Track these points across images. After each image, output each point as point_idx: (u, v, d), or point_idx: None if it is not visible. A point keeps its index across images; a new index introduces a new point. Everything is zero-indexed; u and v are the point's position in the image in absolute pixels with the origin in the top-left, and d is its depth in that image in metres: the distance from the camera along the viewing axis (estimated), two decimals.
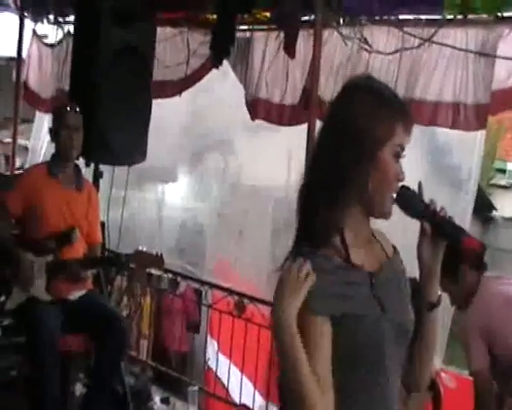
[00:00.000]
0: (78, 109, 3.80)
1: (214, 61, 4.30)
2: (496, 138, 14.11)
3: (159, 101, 4.81)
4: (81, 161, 4.08)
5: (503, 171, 14.73)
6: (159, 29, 4.61)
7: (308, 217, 1.71)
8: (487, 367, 3.20)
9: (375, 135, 1.69)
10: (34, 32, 5.84)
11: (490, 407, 3.25)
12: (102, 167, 4.50)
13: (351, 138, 1.69)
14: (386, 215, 1.74)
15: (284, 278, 1.64)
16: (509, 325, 3.20)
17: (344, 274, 1.69)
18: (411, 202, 1.74)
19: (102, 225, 4.19)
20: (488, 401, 3.25)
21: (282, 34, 3.96)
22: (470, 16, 3.13)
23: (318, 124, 3.46)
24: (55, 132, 3.79)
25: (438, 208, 1.72)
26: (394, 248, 1.88)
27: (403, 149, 1.73)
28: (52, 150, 3.95)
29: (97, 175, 4.45)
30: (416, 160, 4.73)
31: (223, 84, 5.26)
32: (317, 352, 1.62)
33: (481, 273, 3.38)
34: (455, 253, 3.57)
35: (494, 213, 13.02)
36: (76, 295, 3.74)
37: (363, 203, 1.72)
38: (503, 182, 14.62)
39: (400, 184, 1.73)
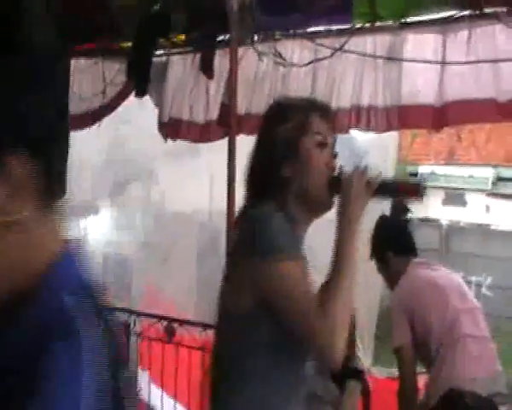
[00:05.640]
0: None
1: (137, 93, 4.32)
2: (408, 145, 14.90)
3: (77, 135, 4.78)
4: None
5: (415, 175, 15.46)
6: (73, 61, 4.63)
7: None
8: (409, 342, 3.49)
9: (291, 130, 1.81)
10: None
11: (412, 381, 3.52)
12: None
13: (271, 141, 1.84)
14: (326, 207, 1.81)
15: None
16: (427, 305, 3.50)
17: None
18: None
19: None
20: (410, 375, 3.52)
21: (198, 55, 4.07)
22: (377, 24, 3.33)
23: (238, 140, 3.59)
24: None
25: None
26: None
27: (326, 137, 1.83)
28: None
29: None
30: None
31: (142, 113, 5.30)
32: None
33: (410, 256, 3.66)
34: (384, 240, 3.83)
35: (410, 215, 13.57)
36: None
37: (299, 201, 1.79)
38: None
39: (333, 169, 1.82)
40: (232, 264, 1.82)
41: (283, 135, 1.81)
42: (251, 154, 1.89)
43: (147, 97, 4.54)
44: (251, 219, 1.78)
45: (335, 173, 1.82)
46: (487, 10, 3.10)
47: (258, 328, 1.69)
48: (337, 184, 1.79)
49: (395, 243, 3.68)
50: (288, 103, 1.98)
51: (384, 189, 1.81)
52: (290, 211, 1.78)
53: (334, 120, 1.93)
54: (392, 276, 3.67)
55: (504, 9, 3.02)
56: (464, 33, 3.16)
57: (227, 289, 1.79)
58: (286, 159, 1.80)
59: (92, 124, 4.89)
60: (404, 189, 1.88)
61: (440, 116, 3.29)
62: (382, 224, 3.75)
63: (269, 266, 1.66)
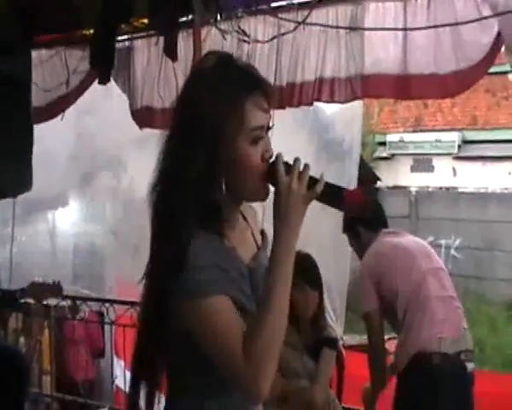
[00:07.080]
0: None
1: (101, 80, 4.30)
2: (376, 115, 15.22)
3: (42, 129, 4.71)
4: None
5: (383, 143, 15.77)
6: (34, 53, 4.58)
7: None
8: (376, 309, 3.57)
9: (220, 135, 1.54)
10: None
11: (380, 346, 3.62)
12: None
13: (195, 140, 1.56)
14: (262, 198, 1.65)
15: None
16: (393, 268, 3.58)
17: (228, 258, 1.62)
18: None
19: None
20: (378, 340, 3.62)
21: (161, 38, 4.08)
22: None
23: None
24: None
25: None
26: (262, 232, 1.81)
27: (263, 128, 1.59)
28: None
29: None
30: (304, 140, 5.02)
31: (107, 102, 5.28)
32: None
33: (377, 230, 3.75)
34: (354, 215, 3.89)
35: (379, 183, 13.85)
36: None
37: (231, 193, 1.61)
38: (384, 154, 15.64)
39: (269, 159, 1.61)
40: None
41: (209, 142, 1.54)
42: (162, 160, 1.64)
43: (112, 85, 4.53)
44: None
45: (271, 161, 1.61)
46: None
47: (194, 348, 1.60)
48: (273, 175, 1.58)
49: (365, 218, 3.78)
50: (212, 86, 1.57)
51: (326, 194, 1.57)
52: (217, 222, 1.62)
53: (272, 98, 1.63)
54: (363, 248, 3.77)
55: None
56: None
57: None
58: (212, 170, 1.55)
59: (57, 115, 4.82)
60: (349, 199, 1.60)
61: (403, 86, 3.32)
62: None
63: (189, 306, 1.55)
